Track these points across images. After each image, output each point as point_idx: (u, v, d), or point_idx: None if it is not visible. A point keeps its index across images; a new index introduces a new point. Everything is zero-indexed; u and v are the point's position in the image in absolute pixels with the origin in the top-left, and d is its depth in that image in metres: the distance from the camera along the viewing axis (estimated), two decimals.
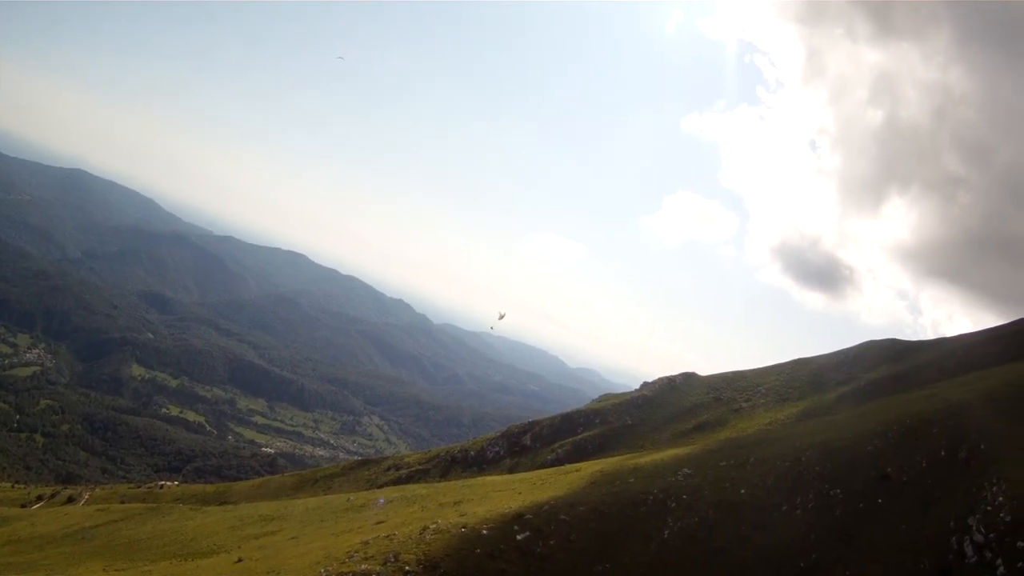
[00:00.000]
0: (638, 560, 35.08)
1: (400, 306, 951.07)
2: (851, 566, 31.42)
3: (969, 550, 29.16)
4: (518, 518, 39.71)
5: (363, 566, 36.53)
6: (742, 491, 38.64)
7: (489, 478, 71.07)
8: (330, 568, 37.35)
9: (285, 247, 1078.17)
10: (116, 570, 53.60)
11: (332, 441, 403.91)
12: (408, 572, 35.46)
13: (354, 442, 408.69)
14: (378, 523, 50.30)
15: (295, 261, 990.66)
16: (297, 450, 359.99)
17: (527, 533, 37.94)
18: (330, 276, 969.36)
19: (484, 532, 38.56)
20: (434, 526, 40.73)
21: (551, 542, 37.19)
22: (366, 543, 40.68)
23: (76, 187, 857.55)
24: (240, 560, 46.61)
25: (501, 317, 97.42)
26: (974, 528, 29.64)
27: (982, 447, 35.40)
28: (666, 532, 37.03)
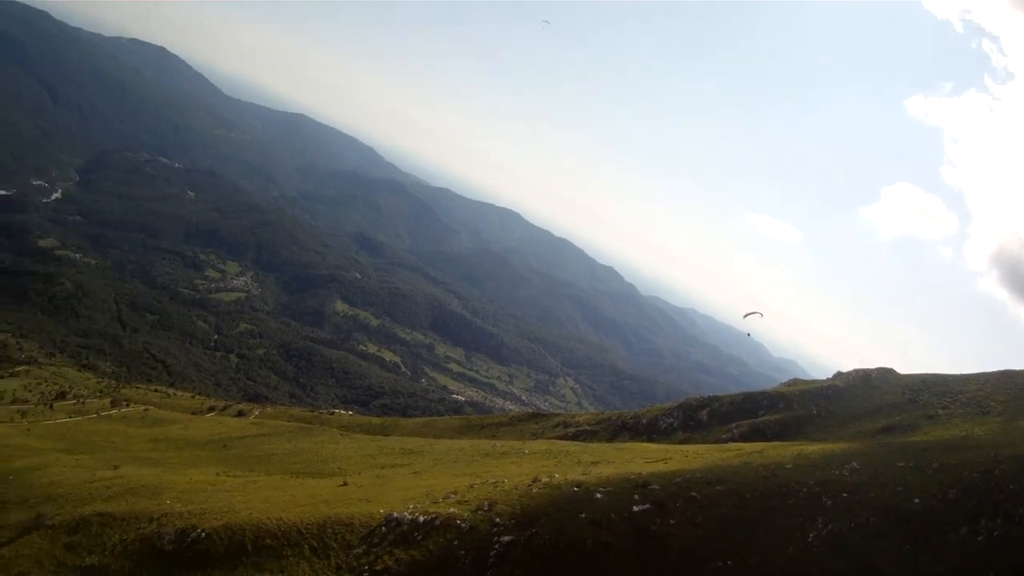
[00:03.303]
0: (768, 563, 28.71)
1: (610, 273, 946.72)
2: None
3: None
4: (642, 486, 34.20)
5: (452, 509, 33.06)
6: (916, 500, 30.97)
7: (645, 445, 65.88)
8: (419, 506, 34.29)
9: (499, 204, 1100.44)
10: (228, 476, 53.96)
11: (524, 397, 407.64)
12: (497, 524, 31.35)
13: (545, 401, 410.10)
14: (501, 470, 46.87)
15: (508, 218, 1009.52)
16: (487, 401, 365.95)
17: (647, 505, 32.41)
18: (542, 237, 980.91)
19: (598, 496, 33.52)
20: (546, 479, 36.41)
21: (671, 521, 31.38)
22: (471, 487, 37.32)
23: (297, 131, 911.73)
24: (344, 484, 44.97)
25: (747, 316, 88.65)
26: None
27: None
28: (811, 535, 30.21)
